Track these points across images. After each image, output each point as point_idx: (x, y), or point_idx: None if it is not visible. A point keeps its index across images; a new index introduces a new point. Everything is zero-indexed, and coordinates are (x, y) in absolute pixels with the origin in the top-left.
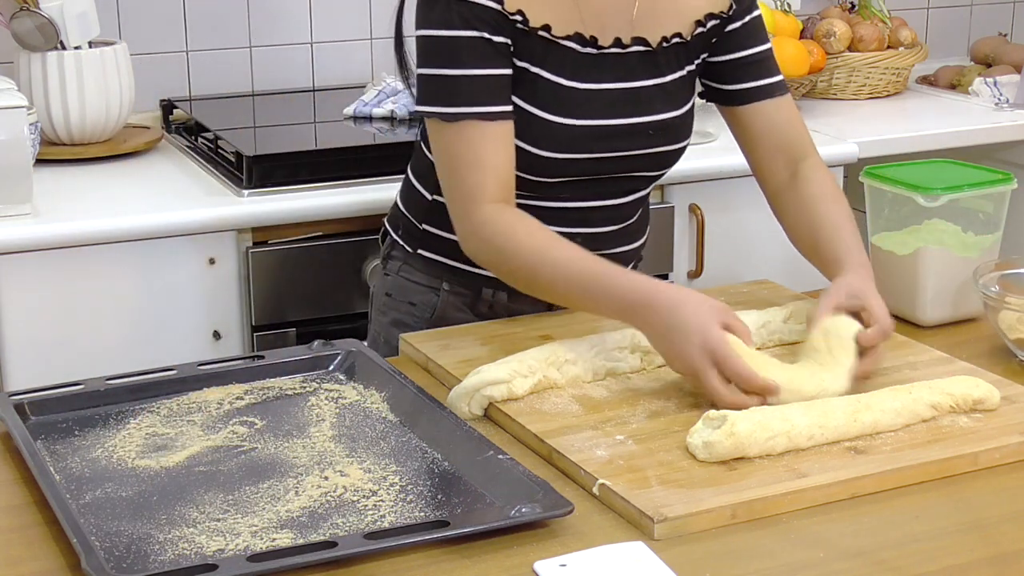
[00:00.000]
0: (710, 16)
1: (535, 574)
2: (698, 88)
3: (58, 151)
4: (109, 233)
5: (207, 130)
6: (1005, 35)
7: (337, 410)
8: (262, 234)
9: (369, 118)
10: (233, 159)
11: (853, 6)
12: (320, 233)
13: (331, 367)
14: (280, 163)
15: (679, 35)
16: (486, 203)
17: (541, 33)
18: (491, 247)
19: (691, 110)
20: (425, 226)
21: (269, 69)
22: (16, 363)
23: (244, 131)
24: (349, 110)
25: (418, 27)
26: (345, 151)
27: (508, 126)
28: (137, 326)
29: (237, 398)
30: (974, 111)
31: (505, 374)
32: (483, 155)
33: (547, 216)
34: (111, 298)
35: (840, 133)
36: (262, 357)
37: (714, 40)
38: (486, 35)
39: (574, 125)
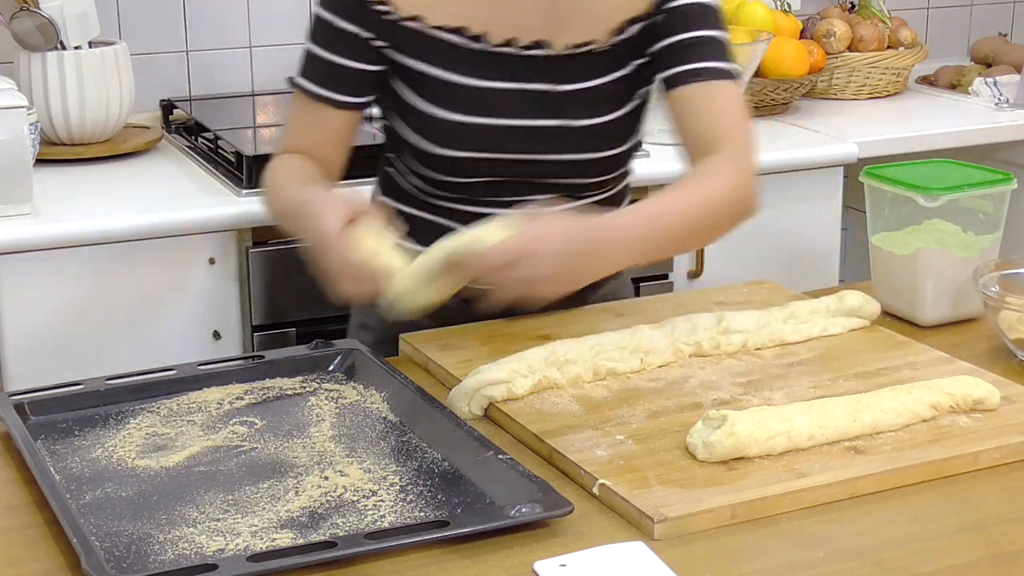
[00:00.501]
0: (632, 21)
1: (535, 574)
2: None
3: (58, 151)
4: (109, 233)
5: (207, 130)
6: (1005, 35)
7: (337, 410)
8: (262, 234)
9: (369, 118)
10: (233, 159)
11: (853, 6)
12: None
13: (331, 367)
14: None
15: (590, 43)
16: (281, 153)
17: (412, 24)
18: (265, 185)
19: (623, 118)
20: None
21: (269, 69)
22: (16, 363)
23: (244, 131)
24: None
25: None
26: None
27: (332, 113)
28: (137, 326)
29: (237, 398)
30: (974, 111)
31: (505, 374)
32: (300, 126)
33: (478, 221)
34: (111, 298)
35: (840, 133)
36: (262, 357)
37: (646, 38)
38: (337, 21)
39: (467, 122)
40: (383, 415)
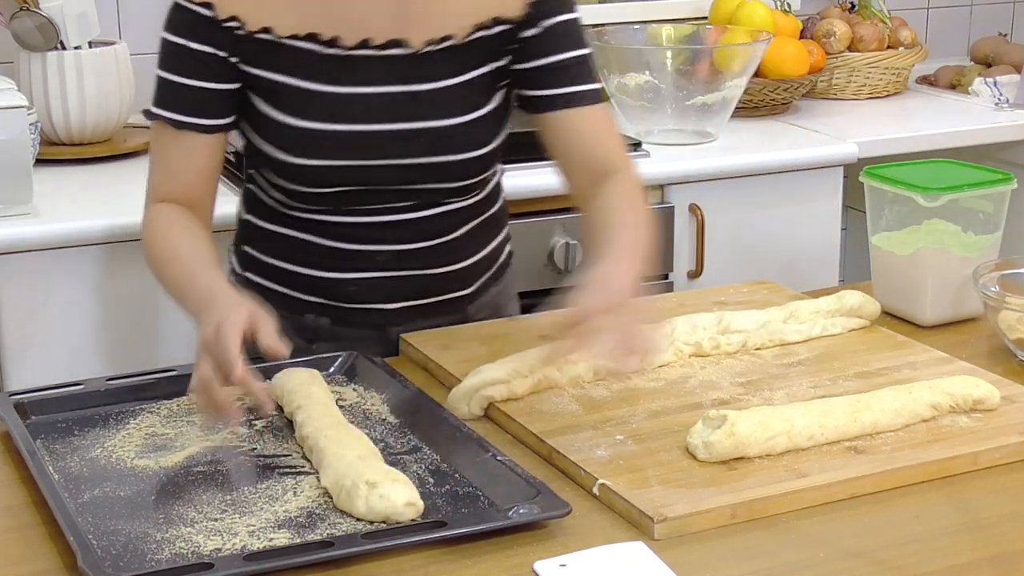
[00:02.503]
0: (497, 20)
1: (535, 574)
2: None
3: (58, 151)
4: (109, 233)
5: None
6: (1005, 35)
7: None
8: None
9: None
10: (232, 159)
11: (853, 6)
12: None
13: (331, 369)
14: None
15: (449, 37)
16: (156, 202)
17: (263, 36)
18: (145, 243)
19: (484, 120)
20: (244, 247)
21: None
22: (16, 363)
23: None
24: None
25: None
26: None
27: (199, 139)
28: (137, 326)
29: (237, 399)
30: (974, 111)
31: (505, 374)
32: (168, 159)
33: (342, 233)
34: (111, 298)
35: (840, 133)
36: (262, 358)
37: (513, 47)
38: (190, 44)
39: (327, 130)
40: (383, 417)
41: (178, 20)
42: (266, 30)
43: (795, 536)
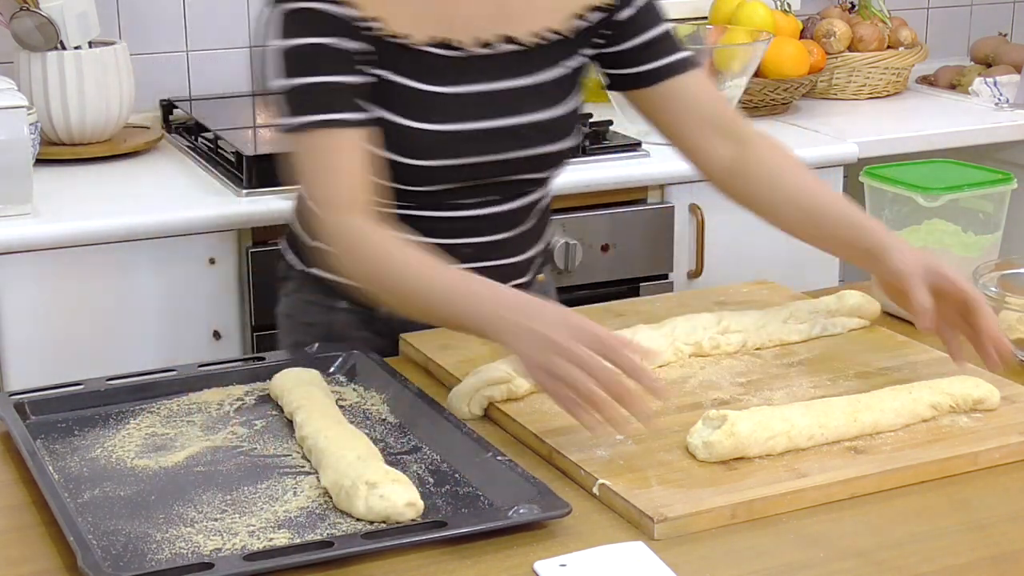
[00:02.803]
0: (594, 9)
1: (535, 574)
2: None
3: (58, 151)
4: (109, 233)
5: (207, 130)
6: (1005, 35)
7: None
8: (262, 234)
9: None
10: (233, 159)
11: (853, 6)
12: None
13: (332, 369)
14: (280, 163)
15: (554, 31)
16: (338, 213)
17: (395, 40)
18: (348, 258)
19: (576, 108)
20: (316, 243)
21: None
22: (16, 363)
23: (244, 131)
24: None
25: (271, 39)
26: None
27: (356, 134)
28: (137, 326)
29: (237, 399)
30: (974, 111)
31: (505, 374)
32: (332, 163)
33: (433, 227)
34: (111, 298)
35: (840, 133)
36: (262, 359)
37: (606, 33)
38: (330, 42)
39: (440, 131)
40: (383, 417)
41: (308, 23)
42: (400, 34)
43: (795, 536)
